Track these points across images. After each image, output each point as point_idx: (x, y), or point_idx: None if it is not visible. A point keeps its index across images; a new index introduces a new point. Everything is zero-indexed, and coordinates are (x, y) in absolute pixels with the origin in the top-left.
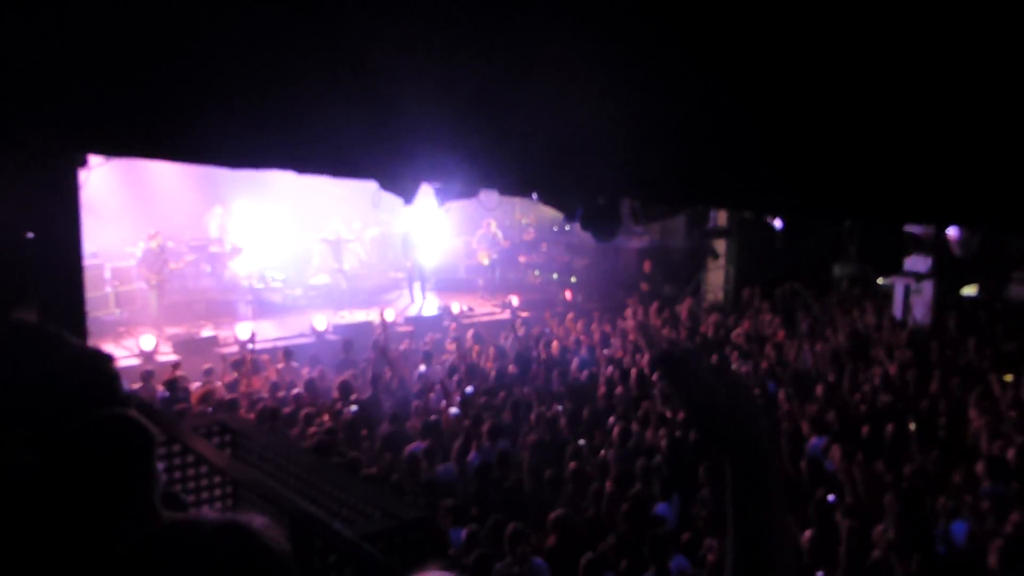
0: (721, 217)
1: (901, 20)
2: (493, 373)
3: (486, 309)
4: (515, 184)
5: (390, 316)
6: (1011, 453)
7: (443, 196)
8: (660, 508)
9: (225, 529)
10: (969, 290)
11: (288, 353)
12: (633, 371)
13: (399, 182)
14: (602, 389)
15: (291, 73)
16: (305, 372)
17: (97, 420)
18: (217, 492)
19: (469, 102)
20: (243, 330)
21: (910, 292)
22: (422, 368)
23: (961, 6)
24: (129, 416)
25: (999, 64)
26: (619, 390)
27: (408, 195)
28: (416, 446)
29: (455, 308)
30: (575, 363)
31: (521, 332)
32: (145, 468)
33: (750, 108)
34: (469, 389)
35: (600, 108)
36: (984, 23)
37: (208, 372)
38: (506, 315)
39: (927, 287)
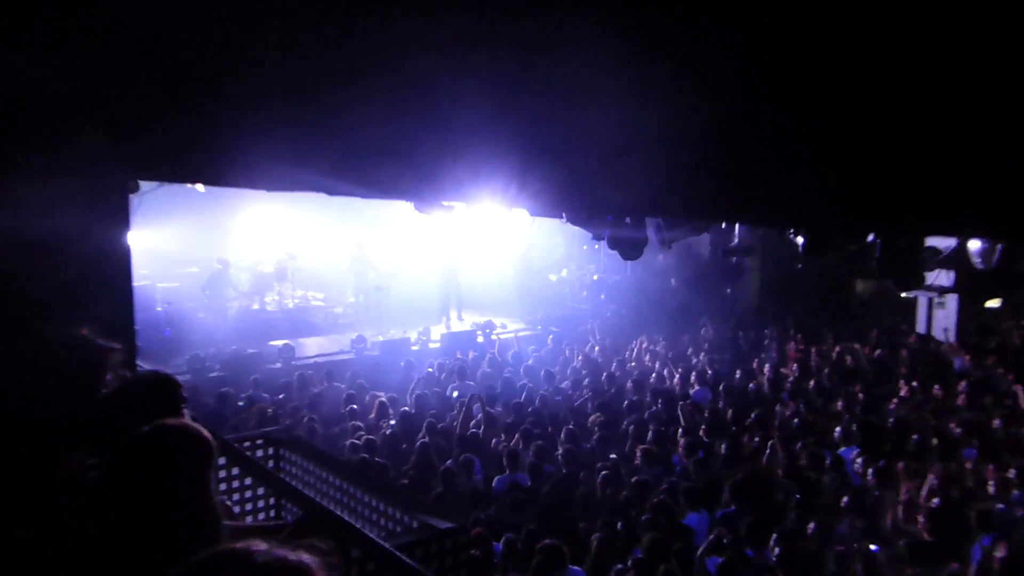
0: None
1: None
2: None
3: (519, 325)
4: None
5: (427, 335)
6: None
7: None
8: (690, 519)
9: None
10: (993, 303)
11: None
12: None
13: (430, 202)
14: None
15: (324, 90)
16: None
17: (160, 427)
18: (261, 503)
19: (505, 121)
20: (286, 348)
21: (934, 306)
22: (454, 393)
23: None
24: (189, 426)
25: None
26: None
27: (440, 211)
28: (451, 461)
29: (488, 325)
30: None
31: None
32: (204, 472)
33: (785, 122)
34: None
35: (633, 119)
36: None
37: (255, 384)
38: (536, 331)
39: (951, 300)
